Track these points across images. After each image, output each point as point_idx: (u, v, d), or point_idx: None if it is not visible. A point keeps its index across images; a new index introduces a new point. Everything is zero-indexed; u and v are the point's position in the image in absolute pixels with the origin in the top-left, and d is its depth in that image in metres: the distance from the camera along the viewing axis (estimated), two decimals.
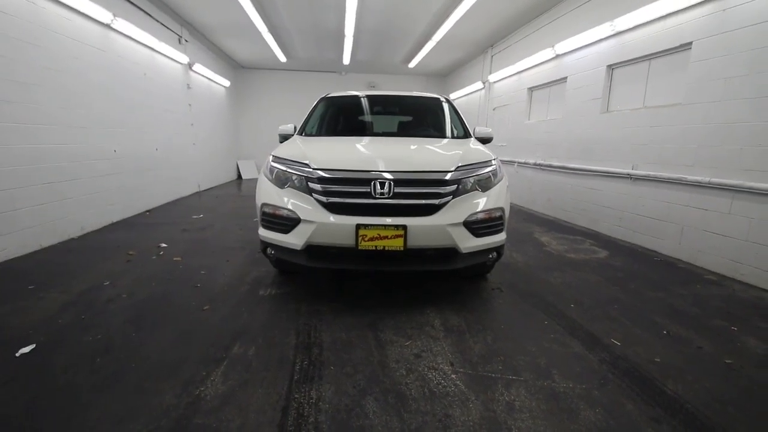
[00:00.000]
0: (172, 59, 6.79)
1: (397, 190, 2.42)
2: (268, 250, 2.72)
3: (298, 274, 3.26)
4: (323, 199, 2.45)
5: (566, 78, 5.90)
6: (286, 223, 2.54)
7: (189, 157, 7.78)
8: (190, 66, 7.57)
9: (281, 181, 2.64)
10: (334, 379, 1.86)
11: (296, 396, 1.73)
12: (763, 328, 2.48)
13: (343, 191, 2.45)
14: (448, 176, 2.48)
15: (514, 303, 2.82)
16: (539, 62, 6.51)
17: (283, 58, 9.68)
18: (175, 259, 3.65)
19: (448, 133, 3.59)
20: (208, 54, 8.72)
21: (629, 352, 2.16)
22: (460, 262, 2.53)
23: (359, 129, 3.86)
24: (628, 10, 4.43)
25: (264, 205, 2.66)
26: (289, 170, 2.62)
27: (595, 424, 1.59)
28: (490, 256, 2.69)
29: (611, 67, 5.01)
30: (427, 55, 9.01)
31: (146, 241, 4.21)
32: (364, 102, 3.98)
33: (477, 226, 2.53)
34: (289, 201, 2.54)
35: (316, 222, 2.42)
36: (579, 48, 5.49)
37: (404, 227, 2.37)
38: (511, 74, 7.54)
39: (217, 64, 9.43)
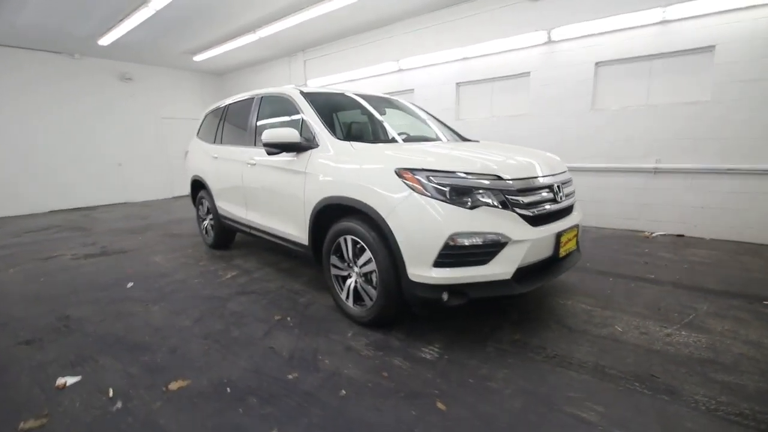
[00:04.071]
0: None
1: (565, 191, 2.46)
2: (444, 296, 2.04)
3: (377, 327, 2.48)
4: (528, 212, 2.14)
5: (413, 89, 6.83)
6: (488, 250, 2.04)
7: None
8: None
9: (461, 200, 2.04)
10: (686, 381, 1.86)
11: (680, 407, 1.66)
12: (647, 247, 4.23)
13: (542, 200, 2.24)
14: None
15: (570, 273, 3.40)
16: (380, 73, 7.12)
17: None
18: (173, 387, 1.89)
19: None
20: None
21: (667, 280, 3.23)
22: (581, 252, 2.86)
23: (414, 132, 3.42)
24: (479, 41, 5.76)
25: (454, 236, 1.97)
26: (473, 185, 2.06)
27: (759, 319, 2.47)
28: None
29: (459, 84, 6.31)
30: (233, 49, 7.73)
31: (31, 376, 1.87)
32: (373, 104, 3.39)
33: None
34: (493, 222, 2.03)
35: (530, 240, 2.10)
36: (427, 66, 6.50)
37: (577, 227, 2.46)
38: (344, 81, 7.78)
39: None
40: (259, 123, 3.48)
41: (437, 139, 3.39)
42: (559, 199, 2.35)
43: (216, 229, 4.32)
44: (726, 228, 4.42)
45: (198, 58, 8.40)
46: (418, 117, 3.79)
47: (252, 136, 3.49)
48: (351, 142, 2.57)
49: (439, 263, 2.01)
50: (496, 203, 2.07)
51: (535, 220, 2.17)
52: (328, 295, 2.99)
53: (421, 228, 2.02)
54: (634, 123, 4.82)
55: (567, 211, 2.47)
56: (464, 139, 3.64)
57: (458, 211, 2.01)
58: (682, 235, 4.64)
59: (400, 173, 2.11)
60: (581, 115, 5.17)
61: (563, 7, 5.03)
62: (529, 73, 5.53)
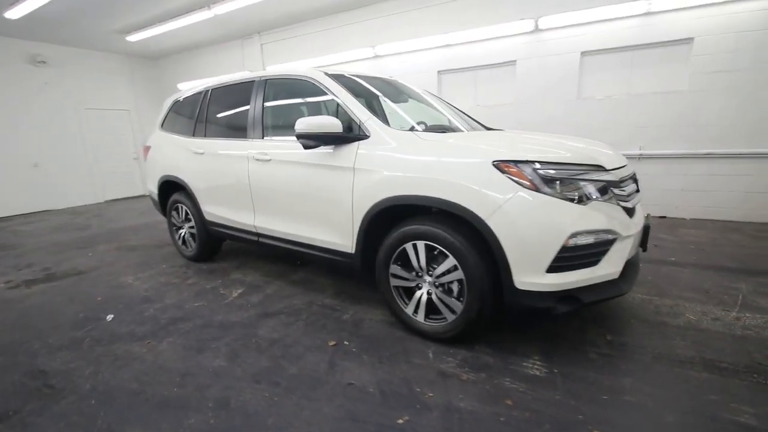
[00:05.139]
0: None
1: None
2: (558, 307, 1.83)
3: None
4: (629, 204, 1.99)
5: (391, 77, 6.47)
6: (600, 249, 1.86)
7: None
8: None
9: (571, 195, 1.81)
10: None
11: None
12: None
13: (633, 191, 2.10)
14: None
15: None
16: (353, 59, 6.66)
17: None
18: None
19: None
20: None
21: (687, 262, 3.36)
22: None
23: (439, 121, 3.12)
24: (463, 28, 5.59)
25: (572, 236, 1.74)
26: (583, 177, 1.84)
27: None
28: None
29: (441, 73, 6.11)
30: (177, 29, 6.70)
31: None
32: (388, 90, 3.06)
33: None
34: (604, 218, 1.84)
35: (633, 233, 1.95)
36: (406, 52, 6.20)
37: (649, 216, 2.38)
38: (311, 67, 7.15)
39: None
40: (267, 112, 2.94)
41: (458, 128, 3.11)
42: (639, 189, 2.24)
43: (200, 239, 3.66)
44: (703, 208, 4.79)
45: (132, 38, 7.18)
46: (431, 105, 3.53)
47: (258, 127, 2.94)
48: (415, 132, 2.22)
49: (552, 268, 1.78)
50: (600, 196, 1.89)
51: (631, 213, 2.03)
52: (374, 308, 2.63)
53: (534, 229, 1.76)
54: (618, 111, 5.01)
55: None
56: (487, 128, 3.45)
57: (572, 208, 1.79)
58: (664, 217, 4.95)
59: (500, 166, 1.82)
60: (568, 104, 5.26)
61: None
62: (515, 61, 5.49)
